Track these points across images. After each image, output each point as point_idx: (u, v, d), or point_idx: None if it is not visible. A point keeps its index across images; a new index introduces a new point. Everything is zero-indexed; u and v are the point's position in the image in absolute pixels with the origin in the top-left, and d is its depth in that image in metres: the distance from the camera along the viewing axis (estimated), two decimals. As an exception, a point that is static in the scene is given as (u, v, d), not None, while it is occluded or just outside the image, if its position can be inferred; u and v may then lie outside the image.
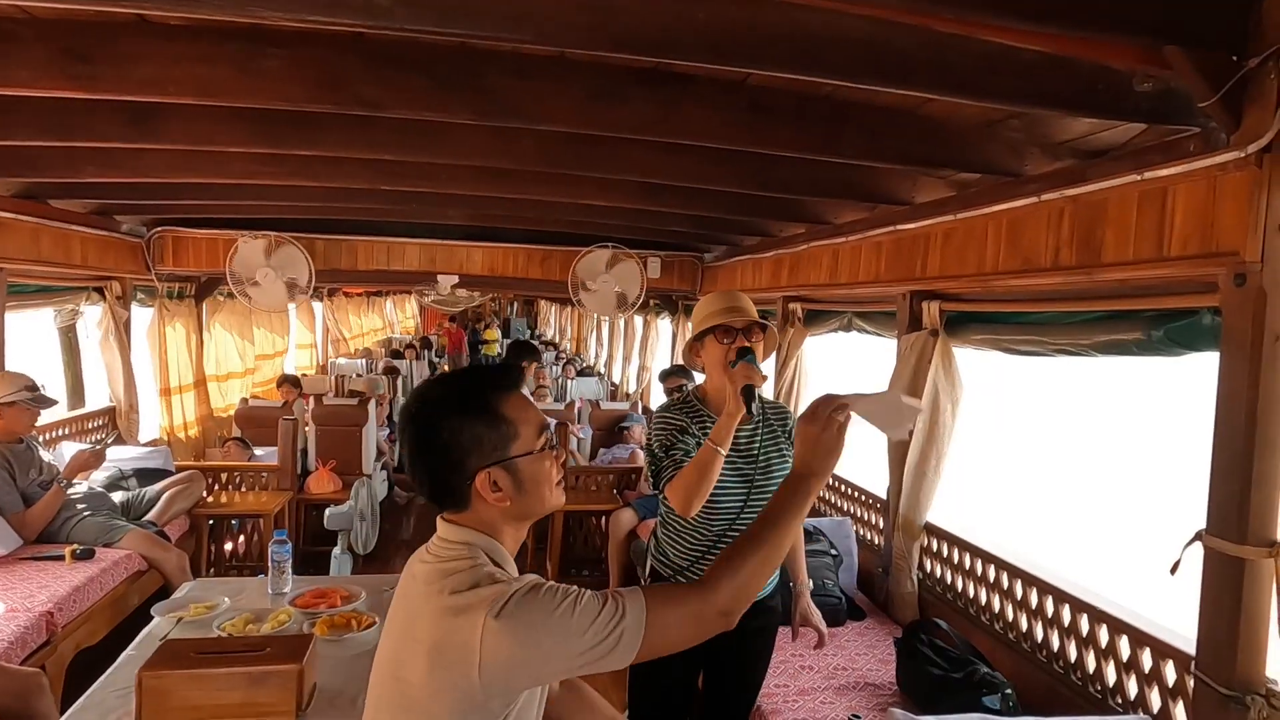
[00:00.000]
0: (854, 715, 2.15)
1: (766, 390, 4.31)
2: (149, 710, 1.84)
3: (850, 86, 2.31)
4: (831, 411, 1.34)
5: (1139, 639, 2.24)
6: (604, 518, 4.96)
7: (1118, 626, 2.32)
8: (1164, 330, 2.20)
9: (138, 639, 2.36)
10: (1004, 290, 2.87)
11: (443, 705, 1.17)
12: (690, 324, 2.34)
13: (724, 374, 2.18)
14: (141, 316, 5.86)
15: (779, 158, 2.95)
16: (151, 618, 2.57)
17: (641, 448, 5.66)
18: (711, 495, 2.17)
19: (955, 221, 2.91)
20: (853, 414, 1.38)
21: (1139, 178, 2.09)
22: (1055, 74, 1.92)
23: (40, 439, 4.29)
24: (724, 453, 2.05)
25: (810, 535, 3.48)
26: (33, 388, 3.75)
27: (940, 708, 2.16)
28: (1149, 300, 2.25)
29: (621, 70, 2.33)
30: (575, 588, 1.20)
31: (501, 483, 1.26)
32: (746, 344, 2.16)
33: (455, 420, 1.25)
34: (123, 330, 5.43)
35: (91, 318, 5.32)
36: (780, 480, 2.24)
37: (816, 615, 2.43)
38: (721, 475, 2.15)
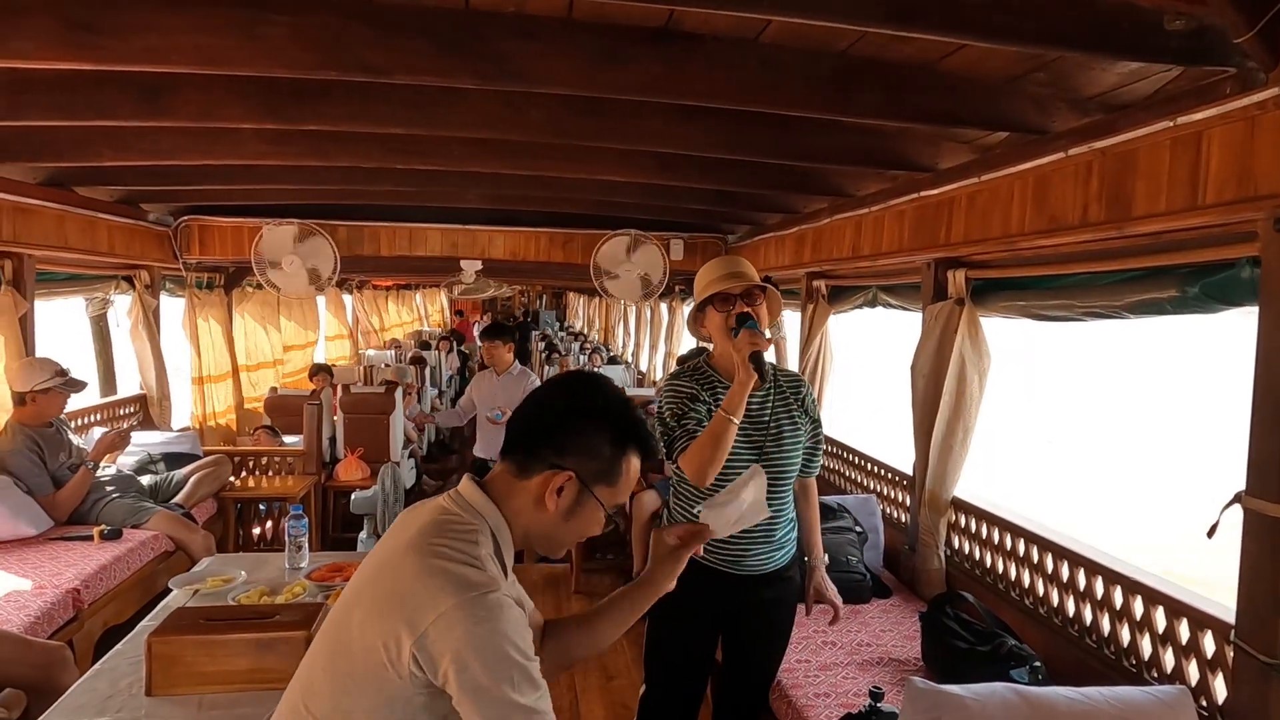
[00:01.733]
0: (875, 688, 2.08)
1: (792, 368, 4.18)
2: (158, 675, 1.84)
3: (865, 40, 2.24)
4: (685, 538, 1.50)
5: (1175, 609, 2.15)
6: (628, 500, 4.93)
7: (1153, 598, 2.23)
8: (1200, 286, 2.10)
9: (154, 610, 2.38)
10: (1031, 253, 2.77)
11: (368, 664, 1.11)
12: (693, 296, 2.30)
13: (728, 341, 2.15)
14: (170, 306, 5.94)
15: (796, 121, 2.88)
16: (173, 593, 2.59)
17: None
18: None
19: (979, 184, 2.81)
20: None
21: (1171, 124, 1.98)
22: (1075, 12, 1.83)
23: (72, 425, 4.37)
24: (737, 421, 2.03)
25: (834, 512, 3.41)
26: (63, 373, 3.81)
27: (965, 681, 2.08)
28: (1183, 255, 2.15)
29: (628, 30, 2.28)
30: (533, 655, 1.14)
31: (566, 495, 1.25)
32: (745, 309, 2.13)
33: (605, 429, 1.27)
34: (152, 319, 5.50)
35: (121, 306, 5.40)
36: (791, 449, 2.20)
37: (831, 589, 2.37)
38: (733, 444, 2.13)
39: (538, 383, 5.34)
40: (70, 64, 2.19)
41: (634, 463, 1.30)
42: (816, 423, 2.34)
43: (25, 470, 3.70)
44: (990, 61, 2.31)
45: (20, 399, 3.76)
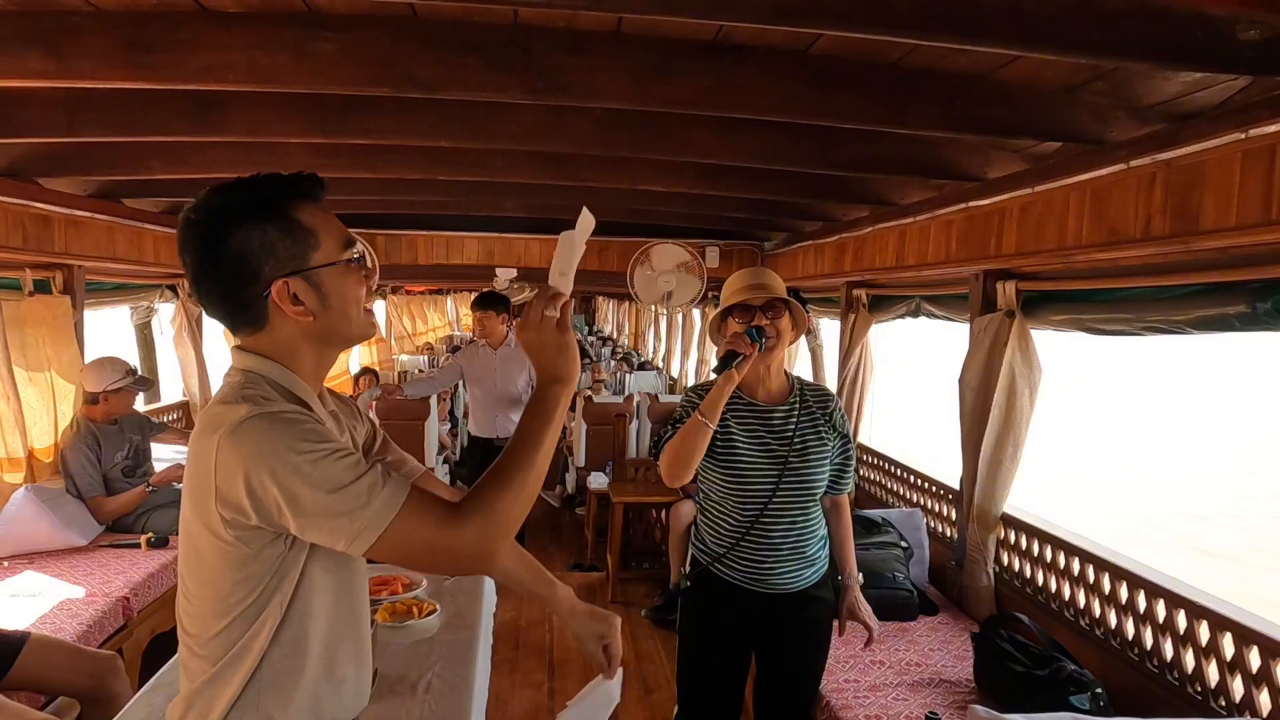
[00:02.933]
0: (931, 713, 2.03)
1: (830, 378, 4.17)
2: (213, 692, 1.84)
3: (919, 51, 2.20)
4: (544, 309, 1.19)
5: (1244, 636, 2.08)
6: (664, 510, 4.91)
7: (1219, 623, 2.16)
8: (1272, 301, 2.03)
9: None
10: (1087, 266, 2.70)
11: (206, 540, 1.07)
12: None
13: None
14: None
15: (844, 132, 2.84)
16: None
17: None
18: (744, 477, 2.16)
19: (1032, 195, 2.75)
20: None
21: (1243, 136, 1.92)
22: (1145, 23, 1.76)
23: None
24: (709, 425, 2.06)
25: (879, 527, 3.36)
26: (132, 371, 3.96)
27: (1023, 706, 2.03)
28: (1254, 270, 2.08)
29: (678, 43, 2.26)
30: (337, 443, 1.07)
31: (302, 295, 1.13)
32: (762, 322, 2.13)
33: (245, 227, 1.11)
34: (195, 326, 5.58)
35: (165, 314, 5.49)
36: (817, 464, 2.17)
37: (865, 610, 2.32)
38: (753, 456, 2.15)
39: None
40: (127, 83, 2.22)
41: (310, 211, 1.16)
42: (846, 438, 2.30)
43: (79, 468, 3.78)
44: (1048, 71, 2.26)
45: (93, 398, 3.88)
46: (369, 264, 1.25)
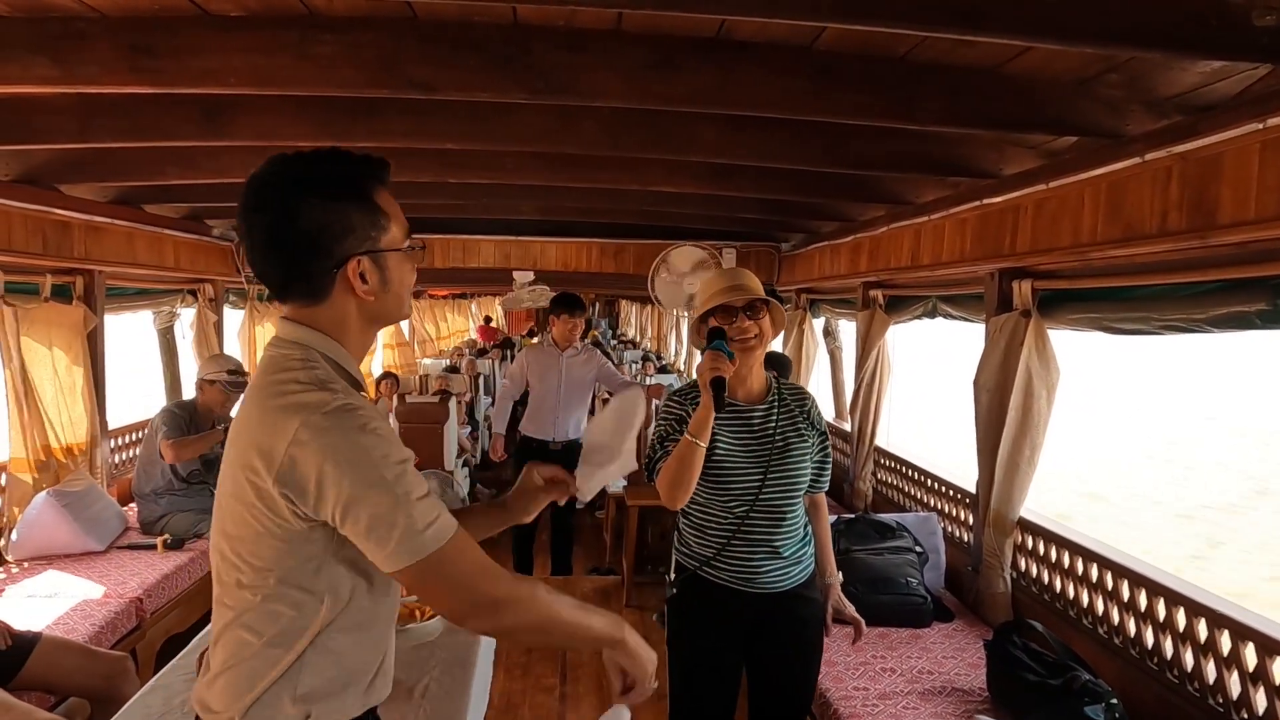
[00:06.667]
0: (938, 722, 1.98)
1: (849, 381, 4.11)
2: (209, 694, 1.84)
3: (926, 44, 2.15)
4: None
5: (1267, 646, 2.00)
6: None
7: (1241, 632, 2.08)
8: (1293, 298, 1.95)
9: (208, 626, 2.40)
10: (1104, 264, 2.63)
11: (256, 518, 1.09)
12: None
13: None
14: (233, 318, 6.09)
15: (850, 129, 2.80)
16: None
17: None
18: (728, 479, 2.12)
19: (1047, 191, 2.69)
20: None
21: (1260, 126, 1.85)
22: (1156, 10, 1.71)
23: (141, 433, 4.51)
24: (702, 445, 1.99)
25: (893, 531, 3.30)
26: (234, 372, 4.20)
27: (1035, 717, 1.97)
28: (1274, 265, 2.00)
29: (679, 40, 2.23)
30: (407, 452, 1.11)
31: (369, 275, 1.17)
32: (744, 323, 2.08)
33: (327, 202, 1.14)
34: (215, 331, 5.64)
35: (187, 319, 5.55)
36: (798, 462, 2.14)
37: (850, 608, 2.28)
38: (736, 458, 2.11)
39: (611, 367, 5.08)
40: (132, 87, 2.24)
41: (384, 195, 1.19)
42: (824, 436, 2.26)
43: (167, 422, 3.99)
44: (1059, 63, 2.20)
45: (198, 385, 4.21)
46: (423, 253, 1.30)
